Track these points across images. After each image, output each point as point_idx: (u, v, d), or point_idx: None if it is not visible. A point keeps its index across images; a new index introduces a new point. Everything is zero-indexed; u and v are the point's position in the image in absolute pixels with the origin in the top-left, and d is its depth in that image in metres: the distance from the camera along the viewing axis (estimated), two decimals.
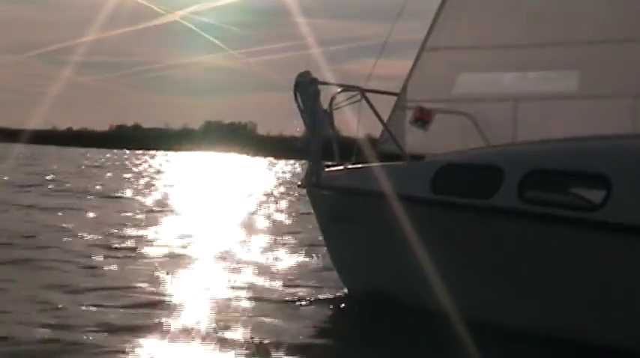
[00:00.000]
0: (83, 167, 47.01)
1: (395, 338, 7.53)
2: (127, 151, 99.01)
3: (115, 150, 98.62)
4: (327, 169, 9.20)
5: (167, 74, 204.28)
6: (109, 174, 38.94)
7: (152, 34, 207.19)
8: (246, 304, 8.69)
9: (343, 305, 8.98)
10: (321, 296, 9.23)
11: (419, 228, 7.66)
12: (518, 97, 8.92)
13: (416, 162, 8.38)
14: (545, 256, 7.13)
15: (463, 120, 9.03)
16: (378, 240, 8.44)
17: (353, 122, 8.93)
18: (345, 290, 9.38)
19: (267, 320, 7.97)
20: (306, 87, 8.88)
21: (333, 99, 9.01)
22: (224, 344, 6.98)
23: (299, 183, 10.12)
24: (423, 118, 8.86)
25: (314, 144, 9.07)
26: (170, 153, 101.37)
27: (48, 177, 31.36)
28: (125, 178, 36.28)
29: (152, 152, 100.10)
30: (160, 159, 76.11)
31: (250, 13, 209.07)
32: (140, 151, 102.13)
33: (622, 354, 6.72)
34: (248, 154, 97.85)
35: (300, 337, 7.45)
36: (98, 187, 27.40)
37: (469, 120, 9.03)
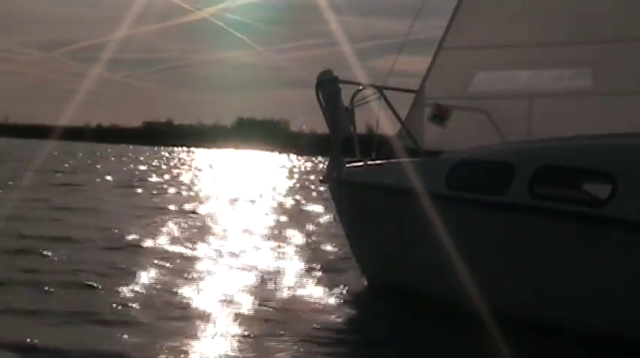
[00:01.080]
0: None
1: (411, 330, 7.87)
2: (162, 148, 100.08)
3: (146, 147, 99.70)
4: (347, 165, 9.65)
5: (196, 71, 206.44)
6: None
7: (181, 32, 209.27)
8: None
9: (363, 297, 9.33)
10: (340, 288, 9.55)
11: (434, 222, 8.02)
12: (532, 95, 9.23)
13: (432, 159, 8.74)
14: (554, 249, 7.47)
15: (480, 117, 9.38)
16: (396, 234, 8.82)
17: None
18: (365, 282, 9.82)
19: (288, 310, 8.35)
20: (328, 85, 9.33)
21: (353, 97, 9.45)
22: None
23: (320, 178, 10.56)
24: (440, 115, 9.26)
25: (335, 140, 9.53)
26: (202, 149, 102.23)
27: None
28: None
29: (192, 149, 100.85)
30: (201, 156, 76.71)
31: (278, 10, 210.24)
32: (181, 148, 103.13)
33: (620, 341, 7.02)
34: (281, 152, 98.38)
35: (322, 326, 7.79)
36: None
37: (485, 116, 9.39)
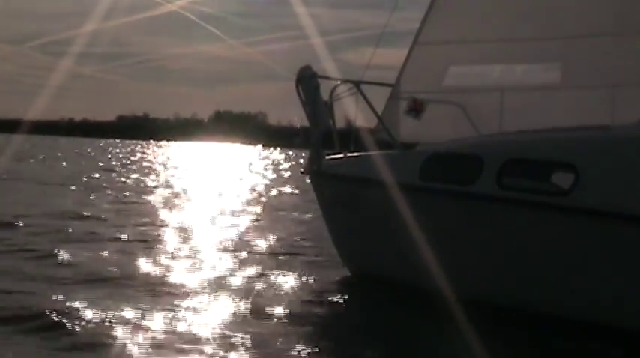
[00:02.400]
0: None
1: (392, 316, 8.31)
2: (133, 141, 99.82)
3: (119, 140, 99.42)
4: (327, 157, 10.14)
5: (167, 64, 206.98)
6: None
7: (152, 25, 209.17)
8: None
9: (344, 285, 9.79)
10: (324, 277, 10.05)
11: (410, 212, 8.53)
12: (504, 88, 9.70)
13: (406, 151, 9.23)
14: (520, 237, 8.01)
15: (454, 110, 9.87)
16: (374, 224, 9.30)
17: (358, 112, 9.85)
18: (346, 271, 10.31)
19: (270, 299, 8.75)
20: (307, 81, 9.81)
21: (332, 92, 9.93)
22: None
23: (301, 170, 11.03)
24: (416, 108, 9.75)
25: (315, 134, 10.01)
26: (178, 143, 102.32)
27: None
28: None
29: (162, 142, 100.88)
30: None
31: (250, 3, 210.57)
32: (151, 141, 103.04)
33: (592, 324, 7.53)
34: (258, 144, 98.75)
35: (305, 312, 8.24)
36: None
37: (459, 109, 9.88)
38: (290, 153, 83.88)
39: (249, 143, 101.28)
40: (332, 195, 10.22)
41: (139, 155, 63.44)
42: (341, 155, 9.99)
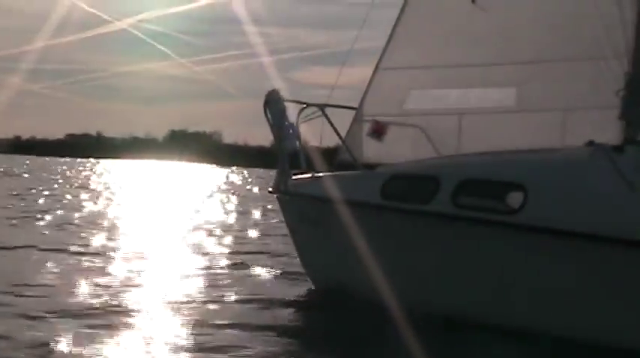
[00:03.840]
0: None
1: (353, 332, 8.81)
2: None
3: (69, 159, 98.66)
4: (294, 177, 10.69)
5: (118, 82, 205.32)
6: None
7: (101, 42, 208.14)
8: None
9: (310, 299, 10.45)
10: (290, 292, 10.68)
11: (372, 230, 9.11)
12: (462, 111, 10.31)
13: (369, 172, 9.81)
14: (474, 254, 8.58)
15: (415, 132, 10.46)
16: (338, 241, 9.79)
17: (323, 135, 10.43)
18: (312, 287, 10.86)
19: (239, 312, 9.35)
20: (274, 104, 10.40)
21: (299, 114, 10.51)
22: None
23: (269, 189, 11.60)
24: (378, 131, 10.35)
25: (282, 154, 10.58)
26: (132, 161, 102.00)
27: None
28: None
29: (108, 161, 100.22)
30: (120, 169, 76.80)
31: (200, 21, 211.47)
32: (95, 160, 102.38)
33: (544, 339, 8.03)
34: (215, 163, 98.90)
35: (272, 326, 8.74)
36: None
37: (420, 132, 10.48)
38: (245, 172, 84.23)
39: (206, 162, 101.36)
40: (298, 213, 10.77)
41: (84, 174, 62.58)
42: (308, 175, 10.54)
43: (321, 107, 10.23)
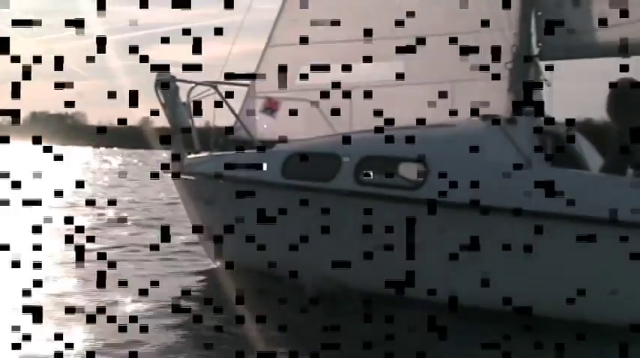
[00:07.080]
0: None
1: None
2: None
3: None
4: (189, 157, 10.80)
5: None
6: None
7: None
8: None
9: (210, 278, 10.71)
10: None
11: (273, 208, 9.32)
12: (352, 86, 10.48)
13: (269, 151, 9.99)
14: (377, 229, 8.83)
15: (307, 109, 10.75)
16: (238, 221, 9.94)
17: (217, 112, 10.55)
18: (212, 265, 11.11)
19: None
20: (166, 84, 10.45)
21: (189, 93, 10.61)
22: None
23: (170, 173, 11.59)
24: (271, 107, 10.58)
25: (176, 135, 10.66)
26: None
27: None
28: None
29: None
30: None
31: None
32: None
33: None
34: (78, 145, 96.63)
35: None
36: None
37: (313, 108, 10.76)
38: (117, 151, 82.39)
39: (72, 144, 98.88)
40: (194, 194, 10.89)
41: None
42: (203, 154, 10.66)
43: (213, 85, 10.34)
